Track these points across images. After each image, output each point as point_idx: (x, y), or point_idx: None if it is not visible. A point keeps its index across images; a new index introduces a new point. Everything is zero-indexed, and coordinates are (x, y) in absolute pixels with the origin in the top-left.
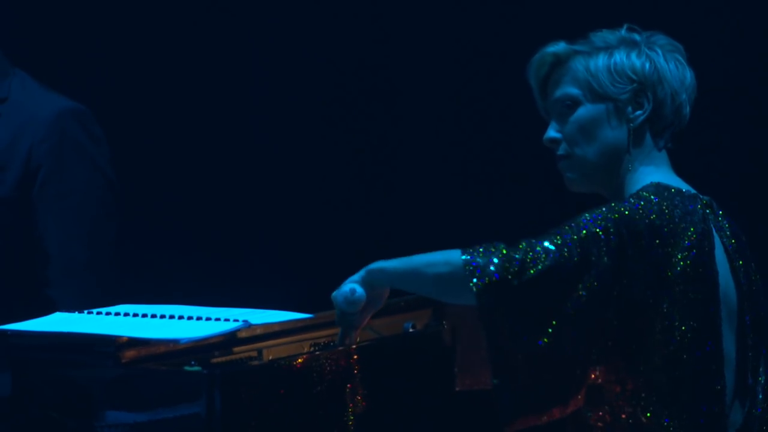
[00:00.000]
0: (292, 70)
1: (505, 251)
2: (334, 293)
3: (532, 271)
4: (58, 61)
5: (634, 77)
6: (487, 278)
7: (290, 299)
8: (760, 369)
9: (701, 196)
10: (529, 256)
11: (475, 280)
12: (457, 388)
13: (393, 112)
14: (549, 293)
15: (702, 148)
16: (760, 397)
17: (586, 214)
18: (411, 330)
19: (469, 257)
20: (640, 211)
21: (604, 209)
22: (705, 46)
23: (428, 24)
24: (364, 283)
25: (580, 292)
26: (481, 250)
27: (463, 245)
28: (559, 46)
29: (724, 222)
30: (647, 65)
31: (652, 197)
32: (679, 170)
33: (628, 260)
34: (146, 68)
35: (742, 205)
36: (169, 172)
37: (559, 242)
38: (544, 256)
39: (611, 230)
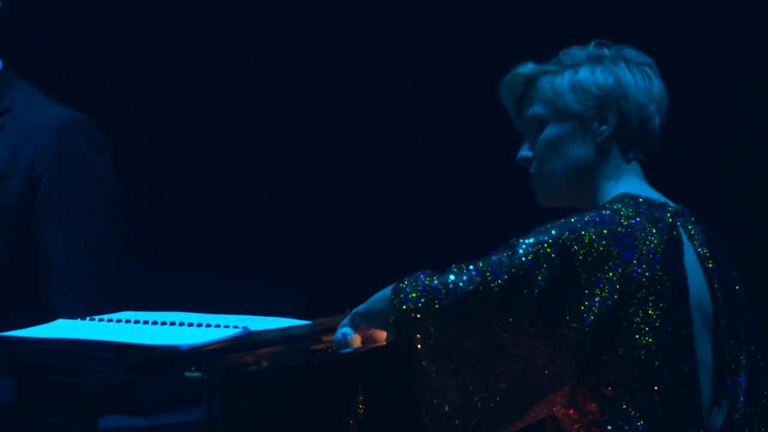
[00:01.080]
0: (291, 79)
1: (427, 278)
2: (334, 337)
3: (448, 298)
4: (61, 71)
5: (597, 93)
6: (403, 308)
7: (289, 306)
8: (741, 372)
9: (671, 205)
10: (451, 281)
11: (394, 310)
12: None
13: (392, 119)
14: (470, 319)
15: (697, 152)
16: (741, 400)
17: (533, 232)
18: None
19: (394, 289)
20: (596, 225)
21: (552, 226)
22: (697, 48)
23: (429, 25)
24: (351, 326)
25: (510, 317)
26: (407, 278)
27: (461, 253)
28: (528, 67)
29: (697, 229)
30: (610, 80)
31: (618, 208)
32: (670, 176)
33: (580, 275)
34: (146, 76)
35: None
36: (169, 181)
37: (485, 265)
38: (465, 280)
39: (553, 248)
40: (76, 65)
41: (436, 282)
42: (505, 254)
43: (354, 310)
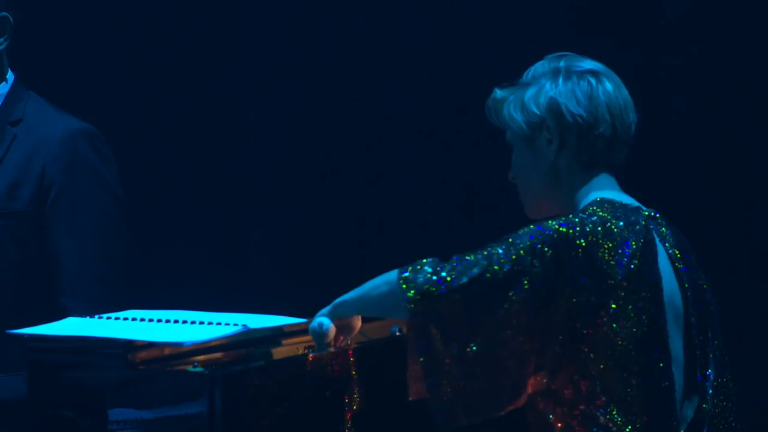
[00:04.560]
0: (290, 79)
1: (435, 264)
2: (309, 325)
3: (457, 281)
4: (69, 84)
5: (537, 112)
6: (415, 290)
7: (286, 305)
8: (709, 367)
9: (644, 209)
10: (457, 268)
11: (406, 293)
12: (410, 398)
13: (392, 117)
14: (477, 302)
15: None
16: (710, 393)
17: (526, 229)
18: (398, 334)
19: (402, 273)
20: (580, 225)
21: (544, 224)
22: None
23: (430, 27)
24: (331, 315)
25: (512, 300)
26: (413, 265)
27: (457, 252)
28: (496, 94)
29: (668, 232)
30: (549, 95)
31: (597, 211)
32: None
33: (566, 270)
34: (149, 87)
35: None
36: (172, 186)
37: (488, 254)
38: (471, 266)
39: (547, 243)
40: (83, 78)
41: (444, 266)
42: (502, 247)
43: (337, 300)
